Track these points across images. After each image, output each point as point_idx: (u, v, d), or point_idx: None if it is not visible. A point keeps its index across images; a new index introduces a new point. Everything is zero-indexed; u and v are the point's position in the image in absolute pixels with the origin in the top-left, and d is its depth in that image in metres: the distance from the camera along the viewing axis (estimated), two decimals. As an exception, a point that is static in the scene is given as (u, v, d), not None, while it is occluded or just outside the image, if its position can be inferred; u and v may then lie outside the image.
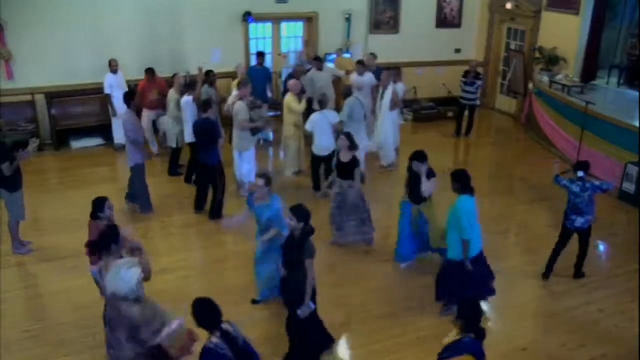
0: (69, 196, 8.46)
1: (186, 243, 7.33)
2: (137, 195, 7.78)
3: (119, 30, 10.17)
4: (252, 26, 11.41)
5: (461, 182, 5.35)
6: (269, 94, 10.57)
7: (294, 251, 4.67)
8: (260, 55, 10.50)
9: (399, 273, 6.52)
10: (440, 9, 12.66)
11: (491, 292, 5.84)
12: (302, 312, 4.69)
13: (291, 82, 8.77)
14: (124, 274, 3.81)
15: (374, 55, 10.46)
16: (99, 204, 5.11)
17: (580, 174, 6.13)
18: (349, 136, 6.79)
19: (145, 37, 10.44)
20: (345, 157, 6.74)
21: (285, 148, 9.07)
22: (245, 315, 5.69)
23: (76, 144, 10.29)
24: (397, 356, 5.23)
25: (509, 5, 12.05)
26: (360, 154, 8.73)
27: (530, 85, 11.24)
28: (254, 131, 8.34)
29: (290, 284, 4.77)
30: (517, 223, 8.00)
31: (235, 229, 7.50)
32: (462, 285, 5.49)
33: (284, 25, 11.96)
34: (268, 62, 11.95)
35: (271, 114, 11.08)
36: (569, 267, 6.57)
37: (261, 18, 11.26)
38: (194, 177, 8.55)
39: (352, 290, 6.21)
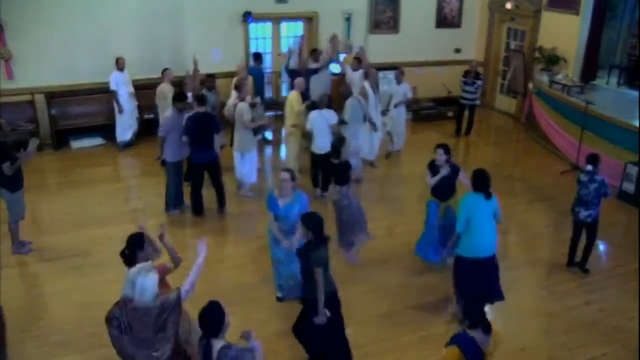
0: (69, 196, 8.47)
1: (187, 243, 7.32)
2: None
3: (119, 30, 10.17)
4: (252, 26, 11.41)
5: (473, 180, 5.47)
6: (266, 94, 10.57)
7: (305, 259, 4.64)
8: (258, 56, 10.51)
9: (399, 273, 6.52)
10: (440, 9, 12.66)
11: (498, 295, 5.68)
12: (317, 320, 4.65)
13: (298, 79, 8.75)
14: (142, 282, 3.74)
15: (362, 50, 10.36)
16: None
17: (588, 167, 6.21)
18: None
19: (145, 37, 10.44)
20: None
21: (287, 146, 9.08)
22: (245, 314, 5.70)
23: (76, 144, 10.29)
24: (398, 356, 5.23)
25: (509, 5, 12.06)
26: (355, 156, 8.76)
27: (530, 85, 11.24)
28: (257, 131, 8.35)
29: (306, 292, 4.78)
30: (517, 223, 7.99)
31: (235, 228, 7.55)
32: (468, 284, 5.51)
33: (284, 25, 11.97)
34: (267, 62, 11.98)
35: (270, 113, 11.09)
36: (572, 266, 6.58)
37: (261, 18, 11.26)
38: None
39: (352, 290, 6.20)
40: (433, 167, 6.34)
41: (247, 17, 10.93)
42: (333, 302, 4.77)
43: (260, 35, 11.79)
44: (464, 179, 6.26)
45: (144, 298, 3.74)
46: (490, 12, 12.80)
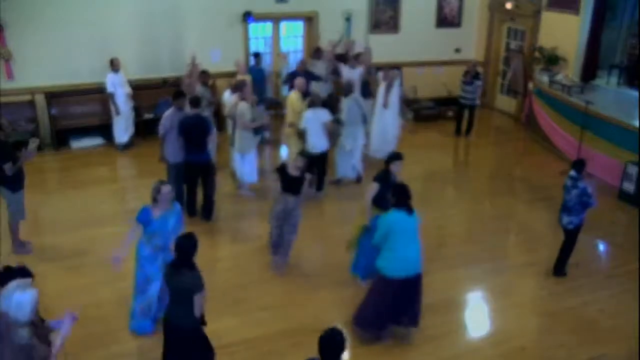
0: (69, 196, 8.47)
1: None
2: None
3: (119, 30, 10.17)
4: (252, 26, 11.41)
5: (396, 196, 5.06)
6: (266, 95, 10.57)
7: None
8: (258, 55, 10.51)
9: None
10: (440, 9, 12.66)
11: (413, 321, 5.35)
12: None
13: (298, 79, 8.75)
14: (19, 298, 3.57)
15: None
16: None
17: (572, 172, 6.13)
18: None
19: (145, 37, 10.44)
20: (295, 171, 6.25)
21: (288, 147, 9.08)
22: (243, 314, 5.70)
23: (76, 144, 10.29)
24: (399, 356, 5.22)
25: (509, 5, 12.05)
26: (357, 155, 8.76)
27: (530, 85, 11.24)
28: (257, 130, 8.35)
29: (177, 318, 4.41)
30: (517, 223, 8.00)
31: (234, 229, 7.54)
32: (384, 307, 5.20)
33: (283, 25, 11.97)
34: (267, 62, 11.98)
35: (269, 113, 11.08)
36: (570, 267, 6.58)
37: (261, 18, 11.26)
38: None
39: (352, 290, 6.20)
40: (385, 178, 5.81)
41: (247, 17, 10.94)
42: (169, 332, 4.46)
43: (260, 35, 11.80)
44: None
45: (19, 314, 3.56)
46: (490, 12, 12.79)
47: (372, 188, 5.83)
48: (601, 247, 7.41)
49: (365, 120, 8.71)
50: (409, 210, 5.02)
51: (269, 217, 6.42)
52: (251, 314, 5.71)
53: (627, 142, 8.56)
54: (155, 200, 5.14)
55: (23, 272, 4.17)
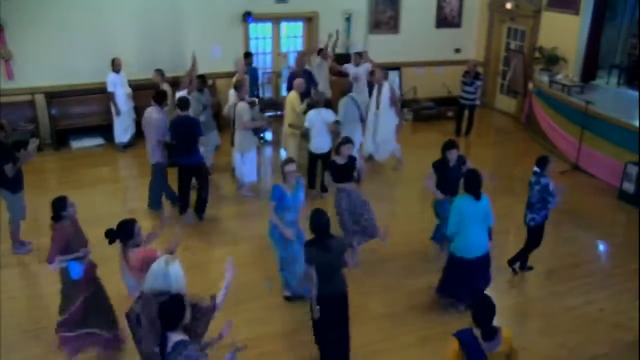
0: (69, 196, 8.44)
1: (184, 242, 7.31)
2: (151, 189, 7.89)
3: (119, 30, 10.18)
4: (252, 26, 11.42)
5: (466, 182, 5.43)
6: (266, 94, 10.57)
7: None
8: (248, 55, 10.52)
9: (399, 273, 6.52)
10: (440, 9, 12.67)
11: (486, 283, 5.77)
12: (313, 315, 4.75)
13: (297, 80, 8.76)
14: (175, 271, 3.74)
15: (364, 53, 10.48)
16: (61, 204, 5.15)
17: (535, 169, 6.16)
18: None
19: (145, 37, 10.45)
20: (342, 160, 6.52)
21: (286, 146, 9.07)
22: (243, 314, 5.70)
23: (76, 144, 10.29)
24: (399, 356, 5.22)
25: (509, 5, 12.06)
26: (356, 153, 8.77)
27: (530, 85, 11.24)
28: (257, 131, 8.34)
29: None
30: (517, 223, 7.97)
31: (235, 229, 7.54)
32: (460, 283, 5.59)
33: (284, 25, 11.97)
34: (267, 62, 12.00)
35: (269, 113, 11.09)
36: (570, 267, 6.58)
37: (261, 18, 11.27)
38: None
39: (352, 290, 6.18)
40: (443, 165, 6.31)
41: (247, 17, 10.94)
42: (331, 304, 4.75)
43: (260, 35, 11.80)
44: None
45: (180, 285, 3.78)
46: (490, 12, 12.80)
47: (430, 174, 6.33)
48: (601, 247, 7.41)
49: (363, 118, 8.70)
50: (477, 195, 5.29)
51: (340, 223, 6.48)
52: (251, 314, 5.71)
53: (627, 142, 8.57)
54: (285, 178, 5.54)
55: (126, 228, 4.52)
